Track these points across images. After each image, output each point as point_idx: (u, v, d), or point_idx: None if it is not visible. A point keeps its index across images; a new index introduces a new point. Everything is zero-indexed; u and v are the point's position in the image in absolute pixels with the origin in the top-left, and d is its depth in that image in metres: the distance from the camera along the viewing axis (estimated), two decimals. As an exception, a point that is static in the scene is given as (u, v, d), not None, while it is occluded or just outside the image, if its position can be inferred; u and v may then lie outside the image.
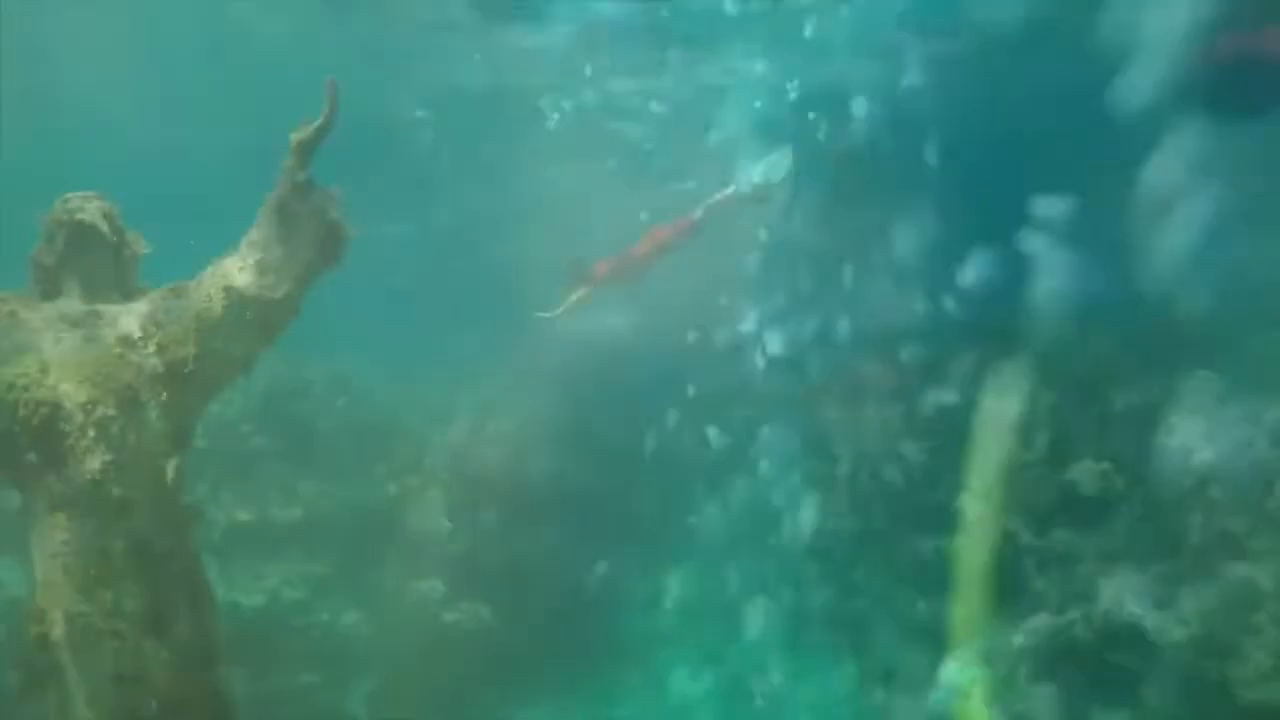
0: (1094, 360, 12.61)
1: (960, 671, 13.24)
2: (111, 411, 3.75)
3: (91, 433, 3.69)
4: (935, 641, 13.83)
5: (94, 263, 4.11)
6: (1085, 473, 12.60)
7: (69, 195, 4.15)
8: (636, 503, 19.36)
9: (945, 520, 14.03)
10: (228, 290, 4.15)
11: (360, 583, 12.86)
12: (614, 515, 18.21)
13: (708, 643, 16.03)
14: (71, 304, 4.01)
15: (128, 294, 4.19)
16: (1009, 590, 12.98)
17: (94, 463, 3.66)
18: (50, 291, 4.12)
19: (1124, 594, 11.38)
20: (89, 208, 4.10)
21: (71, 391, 3.72)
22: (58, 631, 3.60)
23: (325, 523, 12.81)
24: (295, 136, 4.22)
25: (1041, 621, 11.99)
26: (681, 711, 14.57)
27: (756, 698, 14.54)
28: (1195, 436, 11.93)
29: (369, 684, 11.93)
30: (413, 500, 13.71)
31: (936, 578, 14.17)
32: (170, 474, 3.82)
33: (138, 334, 3.96)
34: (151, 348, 3.96)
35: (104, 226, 4.11)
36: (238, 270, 4.19)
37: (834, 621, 15.76)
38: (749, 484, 20.79)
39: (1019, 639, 12.41)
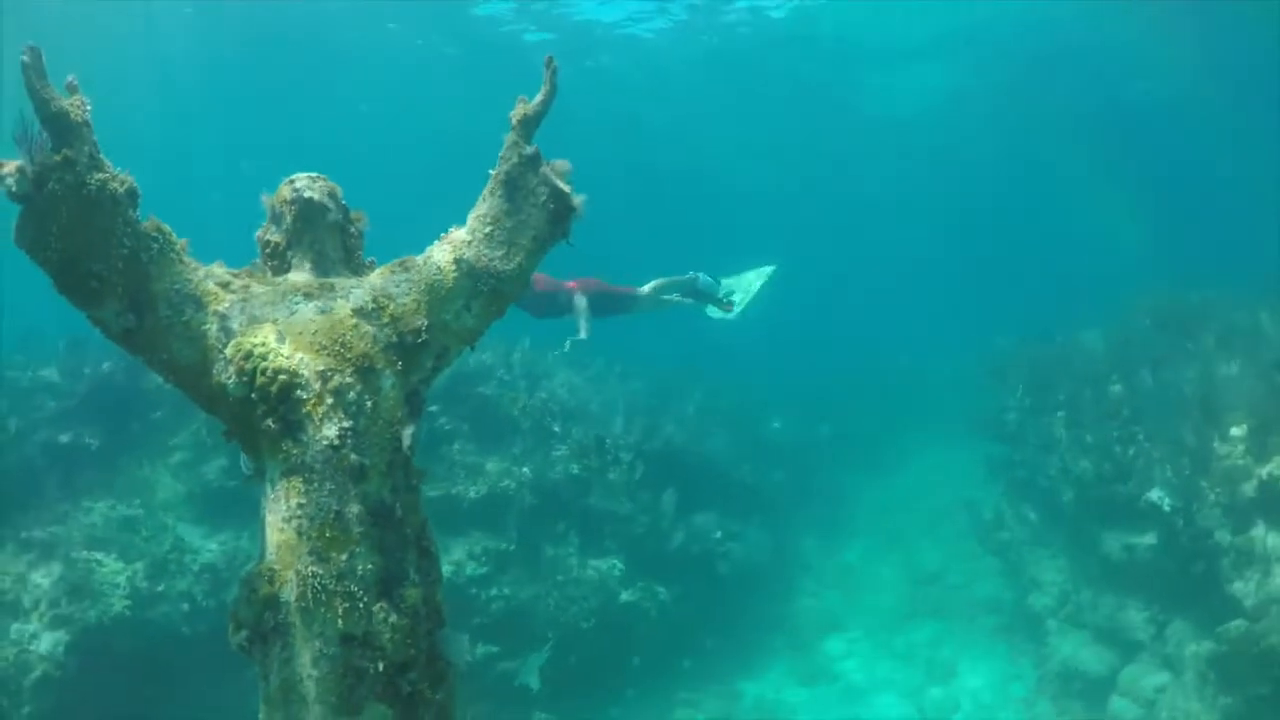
0: None
1: (1142, 676, 12.74)
2: (348, 380, 3.87)
3: (329, 400, 3.81)
4: (1117, 643, 13.38)
5: (322, 239, 4.25)
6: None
7: (295, 176, 4.31)
8: (808, 487, 19.32)
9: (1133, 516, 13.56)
10: (458, 263, 4.28)
11: (540, 559, 13.11)
12: (789, 497, 18.22)
13: (882, 630, 15.85)
14: (304, 277, 4.16)
15: (355, 269, 4.35)
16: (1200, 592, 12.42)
17: (331, 429, 3.78)
18: (279, 268, 4.29)
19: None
20: (316, 187, 4.24)
21: (309, 360, 3.85)
22: (289, 592, 3.70)
23: (508, 500, 13.07)
24: (518, 112, 4.33)
25: (1235, 627, 11.42)
26: (852, 697, 14.43)
27: (928, 689, 14.32)
28: None
29: (544, 657, 12.11)
30: (594, 480, 13.87)
31: (1122, 576, 13.71)
32: (406, 441, 3.93)
33: (371, 305, 4.08)
34: (385, 319, 4.08)
35: (330, 205, 4.25)
36: (466, 244, 4.32)
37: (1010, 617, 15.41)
38: (920, 468, 20.51)
39: (1208, 645, 11.84)
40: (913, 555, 17.79)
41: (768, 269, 11.57)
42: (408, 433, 3.95)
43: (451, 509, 12.91)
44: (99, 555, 12.12)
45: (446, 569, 12.49)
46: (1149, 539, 13.45)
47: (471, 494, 13.00)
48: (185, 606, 11.93)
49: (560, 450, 13.82)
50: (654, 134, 36.03)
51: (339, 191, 4.35)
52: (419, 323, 4.12)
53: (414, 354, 4.12)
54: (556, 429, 14.07)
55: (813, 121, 35.24)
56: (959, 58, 29.08)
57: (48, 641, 11.27)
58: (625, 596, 13.43)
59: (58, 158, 3.72)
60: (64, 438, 13.54)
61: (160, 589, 11.92)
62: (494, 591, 12.66)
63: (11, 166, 3.69)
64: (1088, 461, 14.32)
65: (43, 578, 11.85)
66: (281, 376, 3.79)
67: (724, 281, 11.46)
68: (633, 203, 35.89)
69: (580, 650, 12.82)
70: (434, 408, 13.52)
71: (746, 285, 11.40)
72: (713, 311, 11.30)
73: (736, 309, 11.23)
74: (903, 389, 24.81)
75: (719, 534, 14.81)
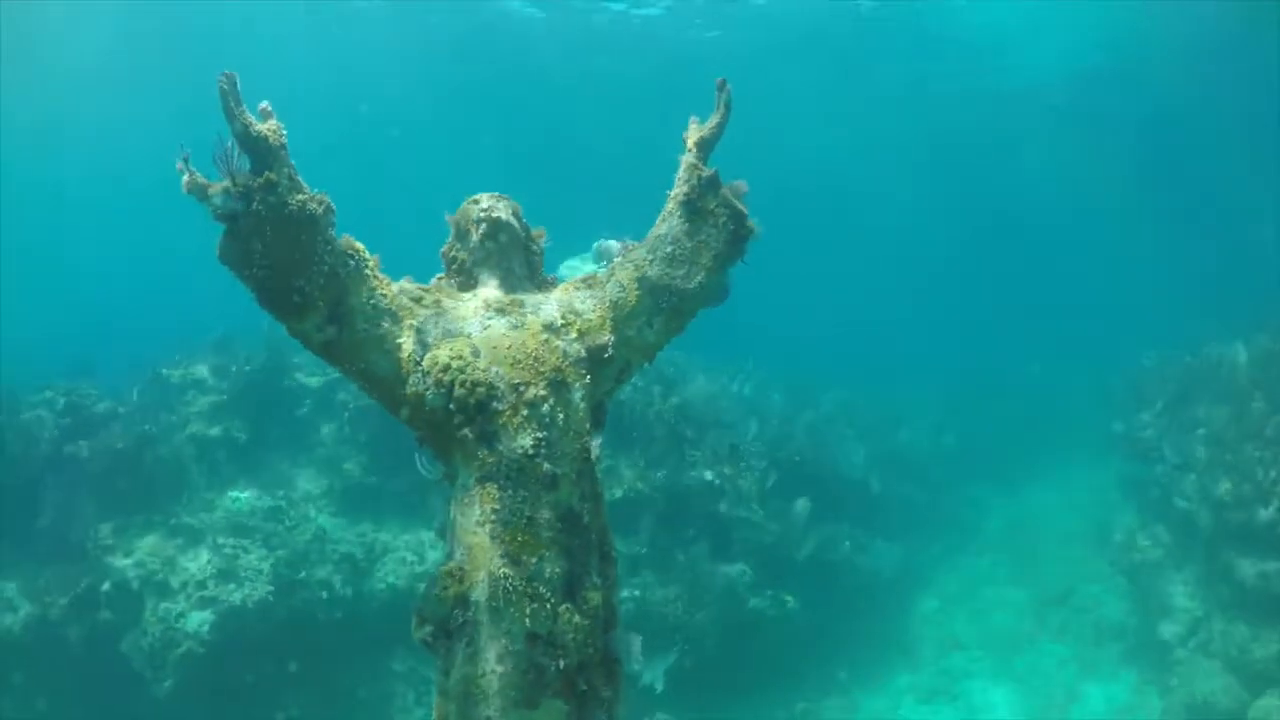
0: None
1: (1273, 712, 12.34)
2: (541, 392, 4.08)
3: (524, 412, 4.03)
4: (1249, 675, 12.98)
5: (509, 256, 4.48)
6: None
7: (479, 196, 4.54)
8: (935, 500, 19.15)
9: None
10: (641, 280, 4.48)
11: (672, 563, 13.28)
12: (918, 510, 18.07)
13: (1005, 651, 15.63)
14: (494, 293, 4.39)
15: (539, 285, 4.56)
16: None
17: (526, 439, 3.99)
18: (465, 284, 4.52)
19: None
20: (501, 206, 4.47)
21: (504, 373, 4.07)
22: (479, 592, 3.91)
23: (642, 504, 13.27)
24: (693, 134, 4.51)
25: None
26: (970, 718, 14.28)
27: (1049, 714, 14.07)
28: None
29: (670, 659, 12.26)
30: (727, 486, 13.99)
31: (1257, 605, 13.31)
32: (594, 451, 4.15)
33: (559, 321, 4.30)
34: (573, 334, 4.29)
35: (515, 223, 4.47)
36: (649, 262, 4.51)
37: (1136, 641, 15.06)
38: (1051, 484, 20.13)
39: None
40: (1040, 574, 17.48)
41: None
42: (595, 443, 4.15)
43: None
44: (245, 542, 12.68)
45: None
46: (1287, 568, 13.09)
47: (607, 496, 13.19)
48: (324, 594, 12.41)
49: (694, 455, 13.96)
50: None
51: (520, 210, 4.57)
52: (605, 338, 4.32)
53: (600, 368, 4.32)
54: (690, 434, 14.22)
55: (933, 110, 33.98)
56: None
57: (194, 621, 11.89)
58: (753, 603, 13.53)
59: (261, 180, 3.97)
60: (214, 431, 14.17)
61: (301, 576, 12.44)
62: (624, 594, 12.86)
63: (219, 187, 3.94)
64: (1227, 482, 13.95)
65: (190, 561, 12.45)
66: (479, 389, 4.01)
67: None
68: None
69: (705, 653, 12.96)
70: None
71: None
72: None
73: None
74: (1036, 400, 24.35)
75: (847, 544, 14.81)
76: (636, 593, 12.87)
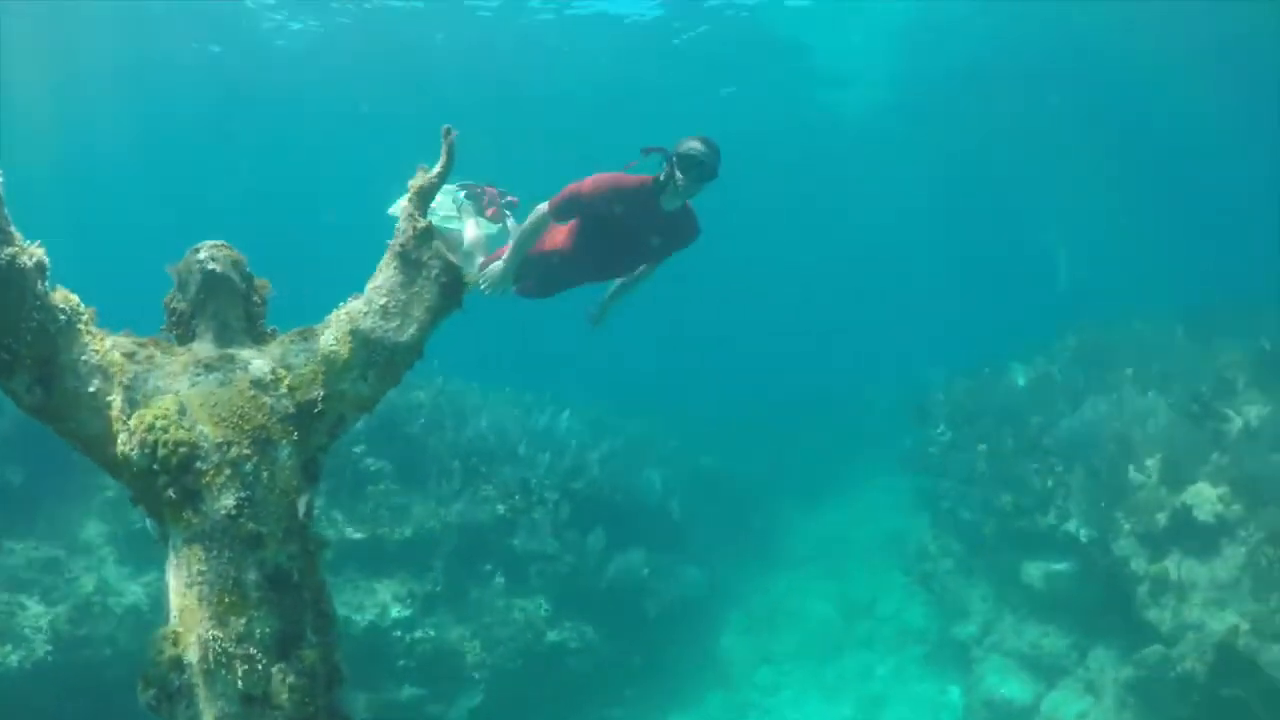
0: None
1: (1065, 703, 13.08)
2: (246, 451, 3.99)
3: (227, 471, 3.94)
4: (1041, 670, 13.71)
5: (225, 309, 4.35)
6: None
7: (200, 244, 4.40)
8: (739, 521, 19.50)
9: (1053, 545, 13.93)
10: (354, 333, 4.42)
11: (466, 600, 13.18)
12: (721, 530, 18.37)
13: (813, 662, 16.05)
14: (206, 348, 4.27)
15: (257, 338, 4.46)
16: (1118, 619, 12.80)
17: (229, 499, 3.91)
18: (184, 336, 4.40)
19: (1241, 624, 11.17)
20: (220, 257, 4.34)
21: (208, 432, 3.98)
22: (192, 655, 3.83)
23: (434, 541, 13.14)
24: (413, 183, 4.49)
25: (1152, 653, 11.80)
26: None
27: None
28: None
29: (473, 699, 12.18)
30: (520, 520, 13.97)
31: (1044, 604, 14.06)
32: (301, 509, 4.07)
33: (269, 377, 4.21)
34: (283, 389, 4.20)
35: (234, 275, 4.36)
36: (363, 314, 4.46)
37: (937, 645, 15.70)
38: (853, 499, 20.78)
39: (1128, 671, 12.23)
40: (844, 587, 18.03)
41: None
42: (303, 501, 4.08)
43: (378, 551, 12.95)
44: (20, 598, 12.01)
45: (372, 612, 12.63)
46: (1068, 568, 13.88)
47: (397, 535, 13.06)
48: (108, 651, 11.84)
49: (487, 490, 13.92)
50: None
51: (244, 261, 4.45)
52: (315, 393, 4.26)
53: (311, 423, 4.25)
54: (483, 469, 14.17)
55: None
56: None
57: (-35, 687, 11.15)
58: (552, 636, 13.52)
59: (-38, 234, 3.77)
60: (-16, 474, 13.39)
61: (84, 633, 11.84)
62: (419, 634, 12.70)
63: None
64: (1008, 494, 14.70)
65: (-40, 621, 11.71)
66: (182, 449, 3.91)
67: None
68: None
69: (508, 691, 12.88)
70: (359, 448, 13.55)
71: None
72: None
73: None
74: (841, 417, 25.06)
75: (647, 571, 14.94)
76: (432, 633, 12.72)
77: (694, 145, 6.86)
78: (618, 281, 7.85)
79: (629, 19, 26.01)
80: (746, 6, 25.23)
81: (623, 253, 7.49)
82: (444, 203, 8.60)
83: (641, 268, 7.70)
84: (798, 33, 26.60)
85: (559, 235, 7.48)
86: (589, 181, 7.12)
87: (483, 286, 7.48)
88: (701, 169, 6.85)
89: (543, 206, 7.26)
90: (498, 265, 7.54)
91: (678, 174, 6.85)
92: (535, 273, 7.63)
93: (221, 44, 26.80)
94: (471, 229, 8.34)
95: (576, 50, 27.48)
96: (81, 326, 4.14)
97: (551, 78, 28.86)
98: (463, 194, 8.64)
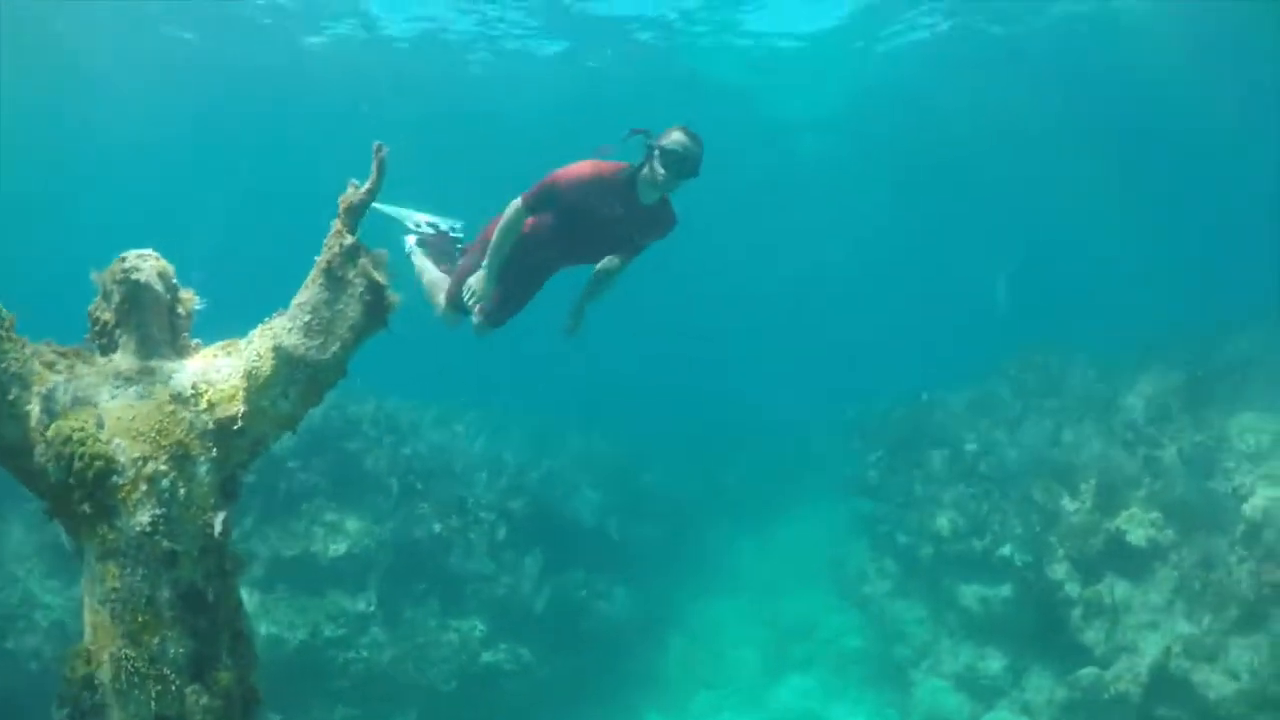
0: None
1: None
2: (162, 467, 3.91)
3: (143, 487, 3.86)
4: (978, 691, 13.86)
5: (148, 320, 4.24)
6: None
7: (126, 254, 4.28)
8: (678, 543, 19.46)
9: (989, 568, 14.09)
10: (277, 350, 4.29)
11: (401, 620, 13.04)
12: (660, 553, 18.33)
13: (752, 686, 16.05)
14: (127, 360, 4.17)
15: (180, 351, 4.35)
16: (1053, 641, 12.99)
17: (144, 516, 3.83)
18: (107, 346, 4.29)
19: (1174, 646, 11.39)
20: (144, 266, 4.23)
21: (125, 446, 3.89)
22: (104, 673, 3.76)
23: (368, 560, 13.01)
24: (343, 199, 4.40)
25: (1087, 674, 11.99)
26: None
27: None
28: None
29: (410, 721, 12.02)
30: (456, 539, 13.87)
31: (980, 627, 14.22)
32: (218, 527, 3.98)
33: (189, 391, 4.12)
34: (202, 405, 4.11)
35: (159, 285, 4.25)
36: (287, 331, 4.33)
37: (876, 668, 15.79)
38: (793, 522, 20.87)
39: (1063, 692, 12.40)
40: (783, 610, 18.05)
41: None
42: (220, 519, 3.99)
43: (310, 568, 12.78)
44: (-60, 611, 11.75)
45: (304, 631, 12.45)
46: (1004, 591, 14.05)
47: (330, 552, 12.90)
48: (33, 665, 11.60)
49: (422, 508, 13.80)
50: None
51: (170, 271, 4.35)
52: (235, 410, 4.15)
53: (230, 440, 4.15)
54: (419, 486, 14.05)
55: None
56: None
57: (-120, 707, 10.87)
58: (486, 658, 13.41)
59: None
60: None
61: (8, 646, 11.61)
62: (353, 654, 12.55)
63: None
64: (944, 518, 14.85)
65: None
66: (98, 462, 3.82)
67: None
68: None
69: (442, 712, 12.76)
70: (294, 463, 13.38)
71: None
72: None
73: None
74: (782, 442, 25.12)
75: (584, 592, 14.88)
76: (365, 654, 12.58)
77: (678, 138, 6.74)
78: (585, 286, 7.67)
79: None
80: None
81: (598, 241, 7.38)
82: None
83: (614, 260, 7.51)
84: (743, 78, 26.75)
85: (528, 223, 7.35)
86: (563, 172, 7.05)
87: (469, 300, 7.38)
88: (683, 165, 6.72)
89: (516, 201, 7.17)
90: (479, 275, 7.38)
91: (658, 167, 6.74)
92: (509, 265, 7.45)
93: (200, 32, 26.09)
94: (430, 269, 8.26)
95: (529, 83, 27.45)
96: (1, 333, 4.02)
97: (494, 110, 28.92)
98: (413, 240, 8.58)
